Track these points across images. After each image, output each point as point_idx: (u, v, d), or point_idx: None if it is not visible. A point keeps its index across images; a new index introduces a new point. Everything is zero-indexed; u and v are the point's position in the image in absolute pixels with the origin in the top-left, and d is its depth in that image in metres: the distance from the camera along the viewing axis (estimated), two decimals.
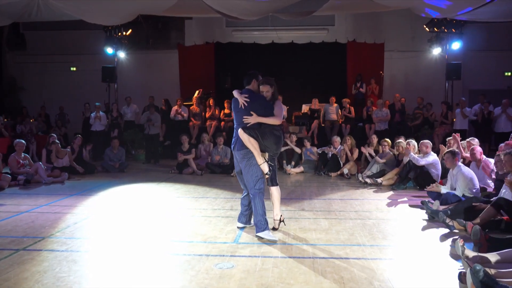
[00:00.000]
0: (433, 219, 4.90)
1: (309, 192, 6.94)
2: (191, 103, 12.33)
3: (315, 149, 9.53)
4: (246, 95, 4.10)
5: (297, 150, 9.36)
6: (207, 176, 8.82)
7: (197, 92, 12.84)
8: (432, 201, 5.34)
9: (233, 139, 4.26)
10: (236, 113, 4.20)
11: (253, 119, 4.02)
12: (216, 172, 9.03)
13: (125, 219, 5.08)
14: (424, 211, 5.25)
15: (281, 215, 4.51)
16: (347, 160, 8.83)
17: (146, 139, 11.21)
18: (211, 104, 12.15)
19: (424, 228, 4.66)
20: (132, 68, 14.38)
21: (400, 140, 7.92)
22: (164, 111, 12.46)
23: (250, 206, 4.29)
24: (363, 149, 8.66)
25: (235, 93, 4.20)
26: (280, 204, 4.42)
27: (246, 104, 4.07)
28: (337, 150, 9.22)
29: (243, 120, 4.03)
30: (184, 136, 9.38)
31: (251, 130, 4.02)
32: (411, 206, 5.78)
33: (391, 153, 8.11)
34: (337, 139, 9.33)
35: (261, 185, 4.10)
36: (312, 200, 6.22)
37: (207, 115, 12.15)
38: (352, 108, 11.90)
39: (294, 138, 9.57)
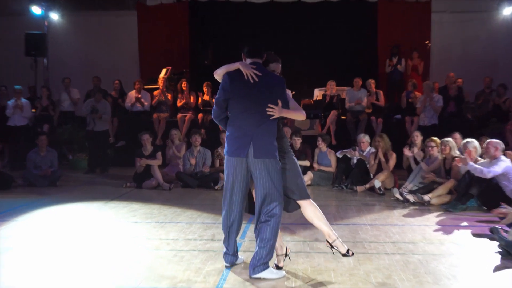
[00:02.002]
0: (509, 255, 4.89)
1: (325, 213, 6.88)
2: (156, 86, 12.42)
3: (332, 153, 9.55)
4: (255, 67, 4.15)
5: (305, 163, 9.43)
6: (178, 192, 8.87)
7: (164, 71, 12.90)
8: (507, 228, 5.39)
9: (247, 140, 4.19)
10: (233, 97, 4.17)
11: (278, 110, 4.08)
12: (191, 186, 9.16)
13: (55, 257, 4.99)
14: (495, 242, 5.23)
15: (286, 248, 4.56)
16: (379, 169, 8.91)
17: (89, 138, 11.22)
18: (184, 88, 12.20)
19: (496, 269, 4.63)
20: (69, 37, 14.34)
21: (448, 139, 8.05)
22: (116, 98, 12.44)
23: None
24: (406, 152, 8.79)
25: (238, 64, 4.19)
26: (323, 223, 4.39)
27: (256, 79, 4.10)
28: (365, 153, 9.27)
29: (268, 111, 4.06)
30: (146, 134, 9.46)
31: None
32: (474, 235, 5.83)
33: (440, 158, 8.23)
34: (364, 138, 9.41)
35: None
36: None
37: (179, 103, 12.22)
38: (381, 93, 12.00)
39: (299, 141, 9.64)
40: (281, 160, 4.25)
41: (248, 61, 4.22)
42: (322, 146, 9.60)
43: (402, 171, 9.45)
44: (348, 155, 9.34)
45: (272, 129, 4.15)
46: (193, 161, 9.29)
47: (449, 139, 8.06)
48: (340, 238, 4.45)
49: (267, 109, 4.06)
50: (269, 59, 4.29)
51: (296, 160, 4.38)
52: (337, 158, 9.48)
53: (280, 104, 4.08)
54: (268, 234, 4.17)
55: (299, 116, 4.26)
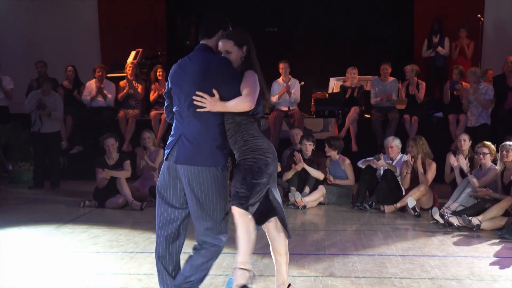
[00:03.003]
0: None
1: (343, 241, 6.98)
2: (123, 74, 12.47)
3: (346, 162, 9.64)
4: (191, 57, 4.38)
5: (318, 175, 9.51)
6: (152, 212, 8.89)
7: (133, 54, 12.96)
8: None
9: (170, 139, 4.38)
10: (172, 87, 4.43)
11: (210, 103, 4.22)
12: None
13: None
14: None
15: (289, 285, 4.66)
16: (414, 183, 8.93)
17: (35, 142, 11.28)
18: (159, 77, 12.27)
19: None
20: (6, 9, 14.34)
21: (509, 143, 8.11)
22: (69, 90, 12.49)
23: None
24: (451, 160, 8.79)
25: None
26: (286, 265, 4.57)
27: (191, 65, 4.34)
28: (394, 163, 9.33)
29: (195, 103, 4.23)
30: (110, 138, 9.48)
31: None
32: None
33: (496, 169, 8.20)
34: (393, 142, 9.48)
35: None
36: (348, 257, 6.23)
37: (153, 97, 12.27)
38: (423, 85, 12.04)
39: (310, 147, 9.72)
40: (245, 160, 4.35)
41: (201, 41, 4.44)
42: (331, 153, 9.68)
43: (444, 185, 9.46)
44: (373, 166, 9.38)
45: (211, 127, 4.25)
46: None
47: (510, 142, 8.08)
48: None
49: (195, 99, 4.19)
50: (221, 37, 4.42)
51: (266, 169, 4.34)
52: (359, 170, 9.53)
53: (216, 95, 4.18)
54: (187, 269, 4.28)
55: (239, 105, 4.18)
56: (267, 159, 4.32)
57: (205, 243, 4.26)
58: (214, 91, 4.16)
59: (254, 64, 4.35)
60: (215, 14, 4.51)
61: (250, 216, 4.20)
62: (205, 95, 4.16)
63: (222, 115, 4.25)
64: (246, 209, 4.17)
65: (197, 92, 4.17)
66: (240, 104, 4.13)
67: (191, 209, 4.30)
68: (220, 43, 4.38)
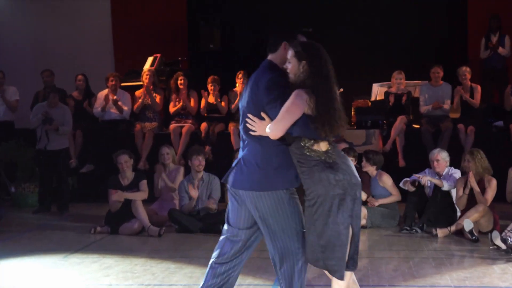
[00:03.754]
0: None
1: (389, 270, 6.93)
2: (139, 83, 12.52)
3: (384, 176, 9.62)
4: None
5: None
6: (171, 239, 8.83)
7: (150, 60, 13.03)
8: None
9: (236, 164, 4.76)
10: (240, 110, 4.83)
11: (260, 126, 4.53)
12: (192, 230, 9.20)
13: None
14: None
15: None
16: (471, 202, 8.87)
17: (41, 161, 11.32)
18: (180, 85, 12.31)
19: None
20: (10, 11, 14.51)
21: None
22: (79, 101, 12.57)
23: None
24: None
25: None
26: None
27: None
28: (446, 180, 9.24)
29: (247, 125, 4.59)
30: (124, 155, 9.53)
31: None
32: None
33: None
34: (440, 155, 9.41)
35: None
36: None
37: (173, 108, 12.32)
38: (478, 89, 11.95)
39: (352, 163, 9.59)
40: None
41: (268, 56, 4.72)
42: (368, 168, 9.68)
43: (506, 205, 9.43)
44: (421, 182, 9.30)
45: (267, 150, 4.55)
46: (194, 194, 9.34)
47: None
48: None
49: (247, 121, 4.55)
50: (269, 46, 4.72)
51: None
52: (409, 185, 9.42)
53: (266, 118, 4.46)
54: None
55: (268, 132, 4.45)
56: (321, 197, 4.45)
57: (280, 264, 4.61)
58: (263, 114, 4.44)
59: (315, 83, 4.43)
60: (280, 25, 4.72)
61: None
62: (255, 118, 4.47)
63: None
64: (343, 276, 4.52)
65: (248, 115, 4.51)
66: (267, 131, 4.42)
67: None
68: (274, 55, 4.67)
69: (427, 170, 9.46)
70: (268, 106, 4.43)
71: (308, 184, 4.48)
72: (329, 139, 4.52)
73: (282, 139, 4.48)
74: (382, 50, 14.17)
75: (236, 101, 11.94)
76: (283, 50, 4.62)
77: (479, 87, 11.88)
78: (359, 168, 9.63)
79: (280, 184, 4.52)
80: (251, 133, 4.52)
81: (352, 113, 12.62)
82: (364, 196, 9.42)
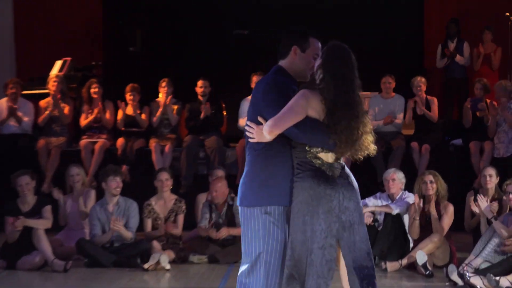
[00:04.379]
0: None
1: None
2: (45, 91, 12.34)
3: None
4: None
5: None
6: (80, 274, 8.79)
7: (58, 64, 12.90)
8: None
9: (243, 179, 4.93)
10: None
11: (257, 132, 4.74)
12: (104, 263, 9.12)
13: None
14: None
15: None
16: (426, 231, 8.93)
17: None
18: (93, 94, 12.20)
19: None
20: None
21: None
22: None
23: None
24: (472, 204, 8.82)
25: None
26: None
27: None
28: (398, 205, 9.25)
29: (246, 133, 4.84)
30: (24, 175, 9.45)
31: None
32: None
33: None
34: (396, 175, 9.48)
35: None
36: None
37: (84, 121, 12.20)
38: (435, 102, 12.07)
39: None
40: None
41: (279, 61, 4.95)
42: None
43: (464, 235, 9.55)
44: (369, 208, 9.26)
45: (257, 160, 4.77)
46: (114, 222, 9.26)
47: None
48: None
49: (246, 129, 4.77)
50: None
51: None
52: None
53: (263, 121, 4.63)
54: None
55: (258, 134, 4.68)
56: (302, 205, 4.65)
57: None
58: (260, 118, 4.64)
59: (327, 85, 4.60)
60: (289, 29, 4.97)
61: None
62: (252, 124, 4.69)
63: (275, 145, 4.67)
64: None
65: (247, 122, 4.75)
66: (264, 129, 4.62)
67: None
68: (285, 61, 4.88)
69: (378, 194, 9.53)
70: (265, 110, 4.63)
71: (297, 188, 4.64)
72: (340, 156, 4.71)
73: (282, 148, 4.69)
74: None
75: (159, 113, 11.90)
76: (293, 55, 4.82)
77: (435, 100, 12.01)
78: None
79: (262, 200, 4.69)
80: (250, 140, 4.72)
81: None
82: None
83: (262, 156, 4.72)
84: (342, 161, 4.79)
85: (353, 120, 4.58)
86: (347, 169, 4.82)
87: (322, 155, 4.63)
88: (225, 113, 12.27)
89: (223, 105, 12.34)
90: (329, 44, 4.79)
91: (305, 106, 4.54)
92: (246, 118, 11.39)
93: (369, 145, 4.77)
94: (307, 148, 4.64)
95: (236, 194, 9.74)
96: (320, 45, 4.95)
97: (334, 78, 4.61)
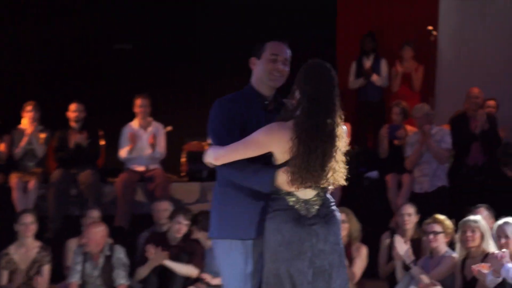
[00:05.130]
0: None
1: None
2: None
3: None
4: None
5: (188, 271, 9.46)
6: None
7: None
8: None
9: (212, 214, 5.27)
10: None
11: (207, 153, 5.07)
12: None
13: None
14: None
15: None
16: None
17: None
18: None
19: None
20: None
21: (475, 218, 8.34)
22: None
23: None
24: (395, 248, 8.84)
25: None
26: None
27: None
28: None
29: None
30: None
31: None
32: None
33: (454, 257, 8.41)
34: None
35: None
36: None
37: None
38: (346, 127, 11.80)
39: (186, 229, 9.72)
40: None
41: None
42: (199, 235, 9.72)
43: (378, 282, 9.58)
44: None
45: (220, 189, 5.16)
46: None
47: (476, 217, 8.25)
48: None
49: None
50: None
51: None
52: None
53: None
54: None
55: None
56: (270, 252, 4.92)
57: None
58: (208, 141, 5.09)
59: (300, 113, 4.81)
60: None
61: None
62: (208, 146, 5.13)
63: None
64: None
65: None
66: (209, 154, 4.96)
67: None
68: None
69: None
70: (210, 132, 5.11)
71: (267, 230, 4.86)
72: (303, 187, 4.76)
73: None
74: (222, 77, 13.99)
75: (22, 143, 11.63)
76: (253, 66, 5.29)
77: (347, 126, 11.72)
78: (187, 235, 9.69)
79: (221, 233, 5.10)
80: (207, 163, 4.98)
81: (183, 159, 12.67)
82: (193, 271, 9.38)
83: (225, 184, 5.06)
84: (326, 193, 4.93)
85: (326, 149, 4.77)
86: (329, 204, 4.94)
87: (299, 191, 4.76)
88: (102, 143, 12.02)
89: (101, 133, 12.08)
90: (307, 62, 5.03)
91: (266, 142, 4.77)
92: (127, 149, 11.47)
93: (340, 175, 4.89)
94: None
95: (115, 239, 9.60)
96: (282, 45, 5.31)
97: (309, 101, 4.81)
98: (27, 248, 9.38)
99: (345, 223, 9.03)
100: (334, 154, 4.84)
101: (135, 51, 14.95)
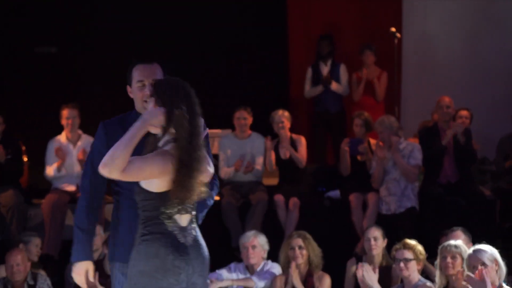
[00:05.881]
0: None
1: None
2: None
3: None
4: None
5: None
6: None
7: None
8: None
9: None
10: None
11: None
12: None
13: None
14: None
15: None
16: None
17: None
18: None
19: None
20: None
21: (454, 242, 8.39)
22: None
23: None
24: (357, 272, 8.79)
25: None
26: None
27: None
28: (261, 278, 9.42)
29: None
30: None
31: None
32: None
33: (429, 286, 8.44)
34: (257, 240, 9.71)
35: None
36: None
37: None
38: (301, 140, 12.18)
39: None
40: None
41: None
42: None
43: None
44: (223, 283, 9.39)
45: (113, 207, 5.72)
46: None
47: (457, 242, 8.32)
48: None
49: None
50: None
51: None
52: None
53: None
54: None
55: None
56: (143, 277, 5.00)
57: None
58: None
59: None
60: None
61: None
62: None
63: (125, 193, 5.39)
64: None
65: None
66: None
67: None
68: None
69: (232, 265, 9.67)
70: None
71: (139, 253, 4.97)
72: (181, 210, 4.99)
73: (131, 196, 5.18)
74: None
75: None
76: (131, 95, 5.61)
77: (303, 139, 12.04)
78: None
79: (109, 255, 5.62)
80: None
81: None
82: None
83: (115, 203, 5.52)
84: (193, 223, 5.13)
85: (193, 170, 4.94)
86: (199, 235, 5.16)
87: (177, 217, 4.95)
88: (25, 159, 11.97)
89: (23, 148, 12.03)
90: (157, 81, 5.21)
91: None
92: (54, 166, 11.47)
93: (202, 187, 5.06)
94: (162, 208, 4.96)
95: (43, 268, 9.62)
96: (148, 68, 5.54)
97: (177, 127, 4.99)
98: None
99: (303, 250, 9.14)
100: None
101: (62, 55, 14.86)
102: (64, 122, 11.81)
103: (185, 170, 4.91)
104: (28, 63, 14.41)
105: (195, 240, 5.05)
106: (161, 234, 4.93)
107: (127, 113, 5.70)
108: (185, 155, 4.95)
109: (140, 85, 5.44)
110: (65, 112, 11.77)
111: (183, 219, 4.98)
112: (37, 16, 14.42)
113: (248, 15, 14.64)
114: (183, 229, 4.98)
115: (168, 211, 4.93)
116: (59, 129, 11.85)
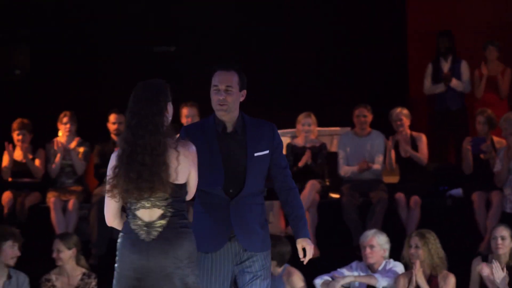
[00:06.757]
0: None
1: None
2: None
3: (294, 275, 9.70)
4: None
5: None
6: None
7: None
8: None
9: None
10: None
11: None
12: None
13: None
14: None
15: None
16: None
17: None
18: None
19: None
20: None
21: None
22: None
23: None
24: (483, 271, 9.01)
25: None
26: None
27: None
28: (384, 276, 9.39)
29: None
30: None
31: None
32: None
33: None
34: (376, 239, 9.57)
35: None
36: None
37: None
38: (423, 139, 12.14)
39: None
40: None
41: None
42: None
43: None
44: (346, 279, 9.37)
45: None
46: None
47: None
48: None
49: None
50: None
51: None
52: None
53: None
54: None
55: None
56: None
57: None
58: None
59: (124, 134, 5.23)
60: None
61: None
62: None
63: None
64: None
65: None
66: None
67: None
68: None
69: (354, 264, 9.59)
70: None
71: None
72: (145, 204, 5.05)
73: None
74: (283, 82, 14.18)
75: (58, 158, 11.83)
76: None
77: (423, 137, 12.04)
78: None
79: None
80: None
81: None
82: None
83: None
84: (175, 212, 5.19)
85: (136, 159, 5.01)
86: (177, 224, 5.20)
87: (141, 212, 5.06)
88: None
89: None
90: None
91: None
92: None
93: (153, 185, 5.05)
94: (132, 203, 5.10)
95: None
96: (223, 74, 5.81)
97: (132, 118, 5.14)
98: (68, 275, 9.57)
99: (419, 249, 9.09)
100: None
101: (179, 54, 15.03)
102: (183, 120, 11.85)
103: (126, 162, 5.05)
104: (149, 62, 14.59)
105: (164, 232, 5.12)
106: (124, 233, 5.15)
107: (207, 118, 6.07)
108: (126, 146, 5.07)
109: (215, 89, 5.80)
110: (184, 110, 11.89)
111: (144, 214, 5.08)
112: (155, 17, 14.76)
113: (367, 11, 14.73)
114: (149, 225, 5.09)
115: (132, 207, 5.09)
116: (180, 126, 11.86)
